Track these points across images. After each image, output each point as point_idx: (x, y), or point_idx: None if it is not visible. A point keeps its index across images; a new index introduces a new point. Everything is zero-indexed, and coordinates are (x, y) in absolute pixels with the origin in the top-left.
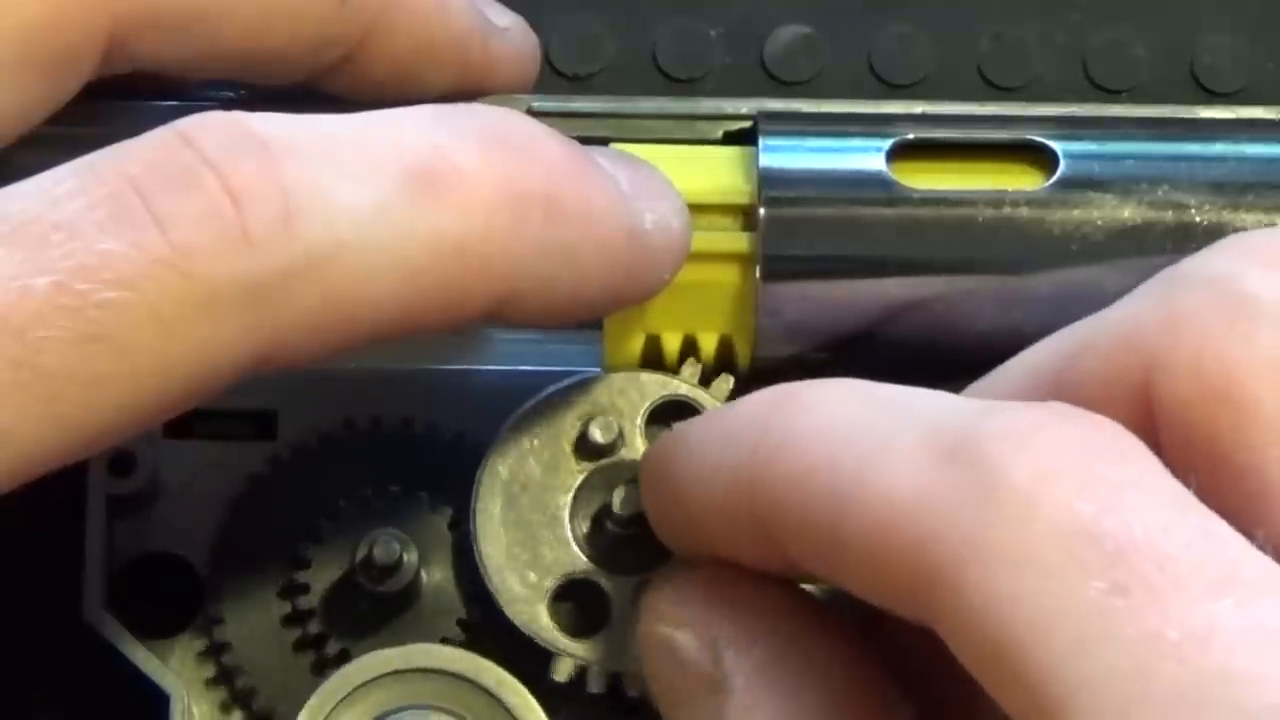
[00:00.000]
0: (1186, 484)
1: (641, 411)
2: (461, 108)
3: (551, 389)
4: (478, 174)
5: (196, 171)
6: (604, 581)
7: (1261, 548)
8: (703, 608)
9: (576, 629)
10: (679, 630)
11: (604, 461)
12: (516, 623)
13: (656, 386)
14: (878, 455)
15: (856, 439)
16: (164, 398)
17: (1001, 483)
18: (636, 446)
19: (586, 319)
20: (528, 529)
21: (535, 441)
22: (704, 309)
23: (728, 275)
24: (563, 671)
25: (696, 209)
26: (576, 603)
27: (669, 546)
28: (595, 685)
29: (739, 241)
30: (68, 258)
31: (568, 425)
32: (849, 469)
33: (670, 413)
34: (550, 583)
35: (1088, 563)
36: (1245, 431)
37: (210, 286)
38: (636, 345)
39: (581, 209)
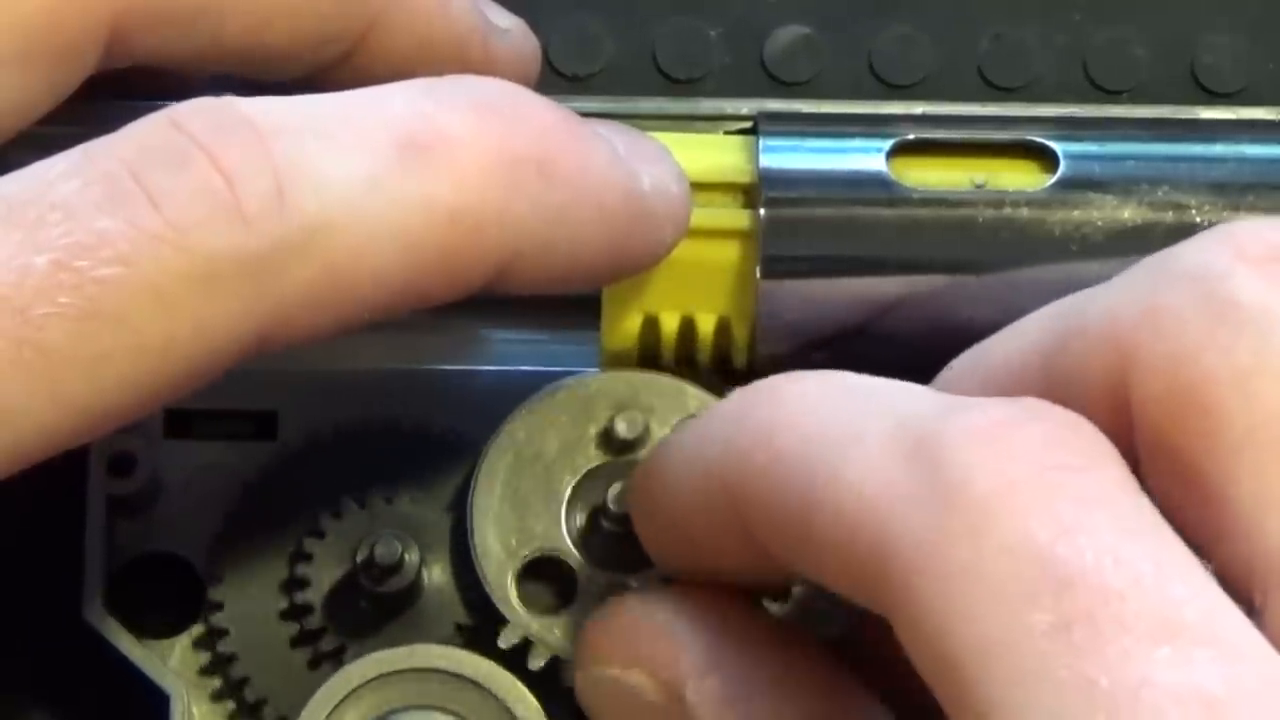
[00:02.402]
0: (1152, 489)
1: (674, 420)
2: (451, 79)
3: (595, 372)
4: (469, 140)
5: (188, 153)
6: (578, 567)
7: (1220, 568)
8: (652, 644)
9: (538, 604)
10: (629, 670)
11: (621, 458)
12: (483, 579)
13: (696, 402)
14: (845, 449)
15: (826, 434)
16: (166, 377)
17: (961, 490)
18: None
19: (588, 286)
20: (525, 495)
21: (564, 417)
22: (703, 288)
23: (727, 252)
24: (508, 639)
25: (696, 187)
26: (545, 579)
27: (652, 556)
28: (534, 663)
29: (739, 218)
30: (65, 236)
31: (599, 411)
32: (818, 462)
33: None
34: (526, 552)
35: (1036, 591)
36: (1214, 440)
37: (208, 262)
38: (634, 325)
39: (577, 170)
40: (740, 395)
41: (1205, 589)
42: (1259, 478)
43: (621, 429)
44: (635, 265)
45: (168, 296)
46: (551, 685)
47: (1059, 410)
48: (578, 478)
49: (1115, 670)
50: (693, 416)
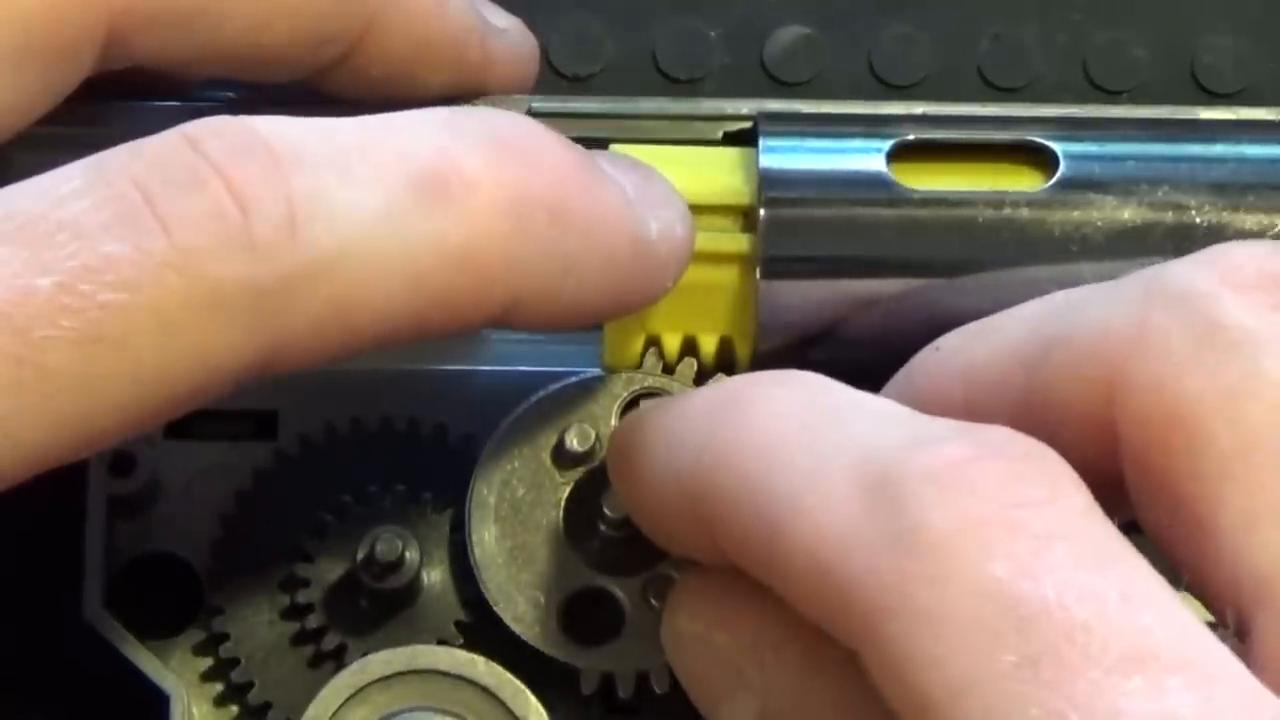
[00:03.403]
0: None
1: (614, 412)
2: (469, 111)
3: (520, 409)
4: (484, 181)
5: (202, 175)
6: (611, 586)
7: (1198, 585)
8: (736, 607)
9: (593, 638)
10: (715, 629)
11: (586, 468)
12: (535, 645)
13: (622, 384)
14: (810, 482)
15: (790, 463)
16: (165, 399)
17: (921, 532)
18: None
19: (589, 325)
20: (526, 551)
21: (515, 463)
22: (704, 310)
23: (728, 276)
24: (589, 684)
25: (696, 210)
26: (588, 612)
27: (646, 533)
28: (624, 690)
29: (739, 243)
30: (72, 258)
31: (543, 439)
32: (782, 493)
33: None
34: (558, 598)
35: (1000, 630)
36: (1197, 461)
37: (213, 290)
38: (636, 346)
39: (588, 217)
40: (710, 398)
41: (1174, 614)
42: (1245, 499)
43: (573, 444)
44: (636, 306)
45: (171, 322)
46: (645, 697)
47: (1021, 441)
48: (560, 508)
49: (1086, 705)
50: (662, 398)
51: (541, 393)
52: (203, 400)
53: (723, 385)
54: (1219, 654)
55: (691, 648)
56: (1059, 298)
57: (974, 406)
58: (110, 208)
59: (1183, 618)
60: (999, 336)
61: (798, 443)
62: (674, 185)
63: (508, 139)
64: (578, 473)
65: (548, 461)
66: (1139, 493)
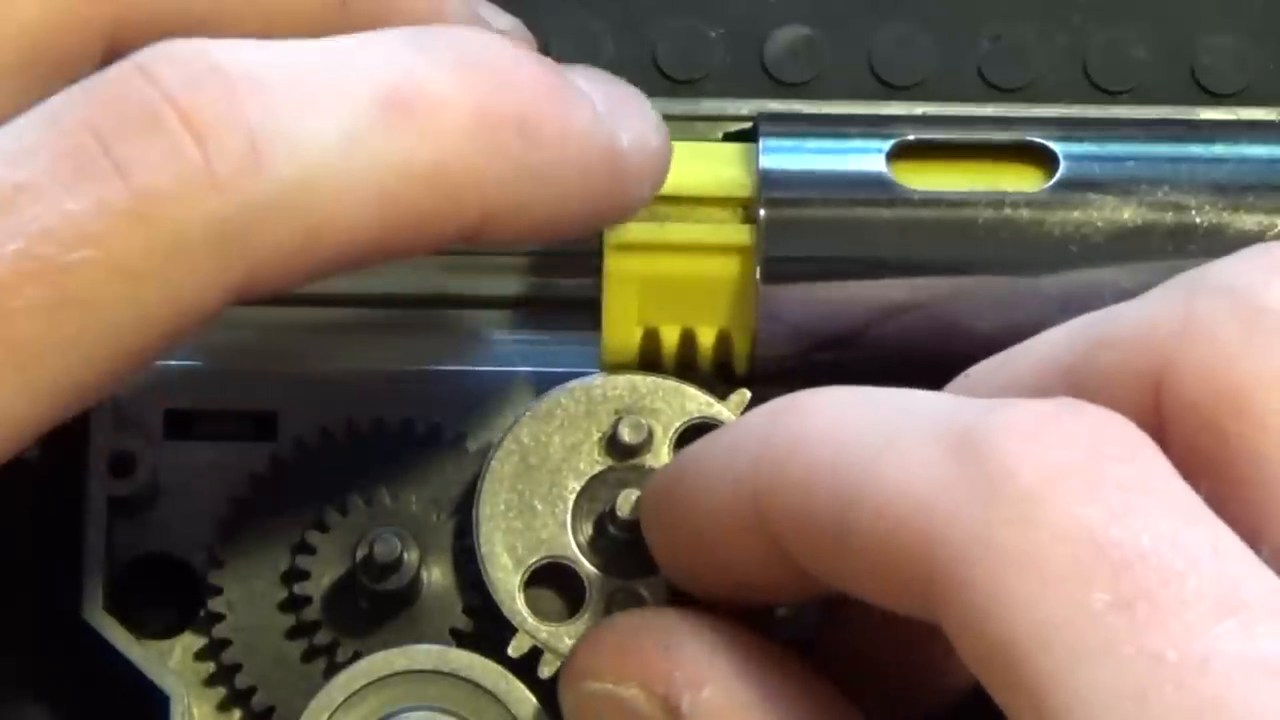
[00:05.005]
0: (1195, 489)
1: (678, 424)
2: (434, 30)
3: (599, 376)
4: (451, 99)
5: (157, 111)
6: (585, 574)
7: (1267, 561)
8: (646, 658)
9: (546, 611)
10: (622, 685)
11: (625, 462)
12: (489, 586)
13: (699, 406)
14: (883, 453)
15: (861, 440)
16: (141, 350)
17: (1009, 480)
18: (662, 456)
19: (567, 237)
20: (530, 500)
21: (567, 421)
22: (703, 302)
23: (727, 268)
24: (518, 648)
25: (696, 202)
26: (553, 585)
27: (664, 569)
28: (544, 671)
29: (738, 234)
30: (32, 221)
31: (603, 415)
32: (855, 469)
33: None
34: (533, 559)
35: (1093, 572)
36: (1253, 442)
37: (177, 232)
38: (634, 338)
39: (559, 131)
40: (766, 410)
41: (1262, 570)
42: None
43: (625, 434)
44: (611, 220)
45: (137, 272)
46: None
47: (1096, 407)
48: (583, 483)
49: (1181, 644)
50: (712, 429)
51: (625, 374)
52: (176, 344)
53: (770, 403)
54: None
55: (600, 711)
56: (1092, 314)
57: None
58: (67, 161)
59: (1269, 573)
60: (1034, 353)
61: (864, 424)
62: (649, 102)
63: (475, 56)
64: (615, 462)
65: (596, 435)
66: (1189, 481)
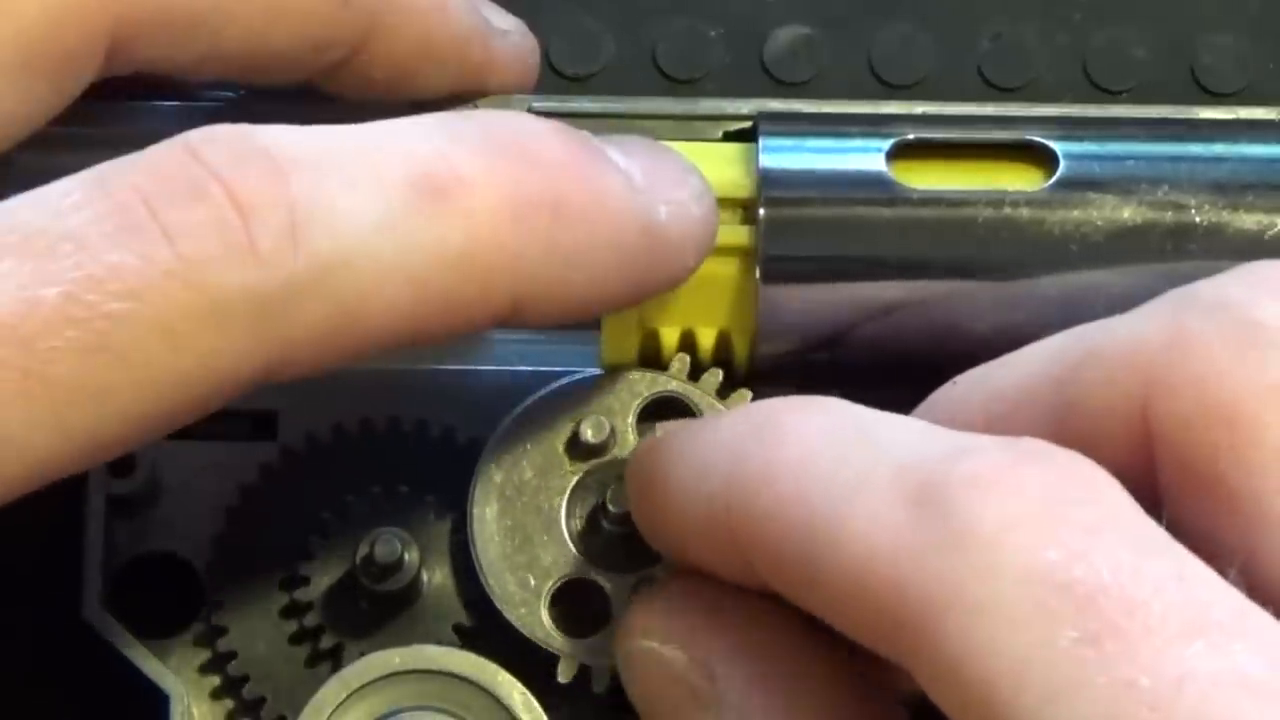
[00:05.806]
0: (1178, 510)
1: (633, 409)
2: (465, 114)
3: (542, 392)
4: (482, 182)
5: (204, 184)
6: (602, 580)
7: (1234, 582)
8: (691, 622)
9: (577, 629)
10: (667, 646)
11: (597, 461)
12: (517, 626)
13: (646, 384)
14: (849, 497)
15: (830, 477)
16: (171, 408)
17: (969, 531)
18: (629, 444)
19: (610, 312)
20: (523, 532)
21: (528, 445)
22: (702, 304)
23: (726, 269)
24: (565, 673)
25: None
26: (576, 603)
27: (657, 550)
28: (599, 685)
29: (738, 235)
30: (76, 269)
31: (560, 426)
32: (822, 511)
33: (662, 409)
34: (548, 584)
35: (1058, 612)
36: (1245, 455)
37: (217, 298)
38: (634, 341)
39: (589, 210)
40: (739, 423)
41: (1229, 593)
42: None
43: (589, 434)
44: (653, 293)
45: (175, 332)
46: (619, 699)
47: (1057, 450)
48: (564, 496)
49: (1152, 669)
50: (668, 402)
51: (563, 381)
52: (209, 408)
53: (747, 411)
54: (1277, 627)
55: (645, 666)
56: (1081, 327)
57: (997, 435)
58: (113, 218)
59: (1237, 596)
60: (1022, 365)
61: (832, 462)
62: (690, 163)
63: (504, 138)
64: (587, 464)
65: (560, 448)
66: (1180, 495)
